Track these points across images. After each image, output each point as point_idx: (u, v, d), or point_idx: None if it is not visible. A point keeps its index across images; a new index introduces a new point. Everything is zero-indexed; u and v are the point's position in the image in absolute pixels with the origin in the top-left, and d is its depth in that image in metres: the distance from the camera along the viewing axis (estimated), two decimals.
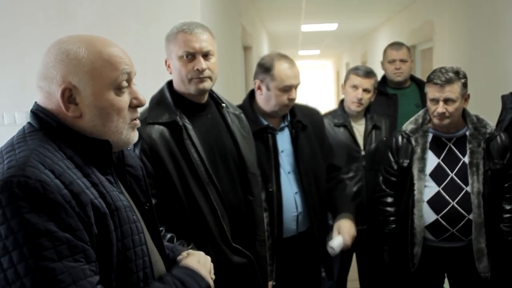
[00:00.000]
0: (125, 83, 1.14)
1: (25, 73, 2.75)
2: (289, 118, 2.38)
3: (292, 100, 2.28)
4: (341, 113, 2.99)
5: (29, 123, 1.13)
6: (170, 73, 1.88)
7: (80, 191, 1.02)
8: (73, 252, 0.97)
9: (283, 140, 2.36)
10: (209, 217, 1.77)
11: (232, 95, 4.17)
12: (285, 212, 2.30)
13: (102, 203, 1.06)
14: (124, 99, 1.14)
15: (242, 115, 2.08)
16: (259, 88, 2.32)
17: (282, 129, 2.37)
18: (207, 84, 1.82)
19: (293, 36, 10.10)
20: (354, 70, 2.99)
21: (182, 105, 1.83)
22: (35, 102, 1.14)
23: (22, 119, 2.81)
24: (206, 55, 1.80)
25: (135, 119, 1.18)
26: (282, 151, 2.34)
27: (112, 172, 1.17)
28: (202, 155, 1.78)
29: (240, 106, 2.35)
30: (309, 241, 2.41)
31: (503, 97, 2.62)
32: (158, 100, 1.83)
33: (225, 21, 3.89)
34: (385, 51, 3.54)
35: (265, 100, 2.30)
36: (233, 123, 1.96)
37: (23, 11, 2.81)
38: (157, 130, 1.74)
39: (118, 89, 1.12)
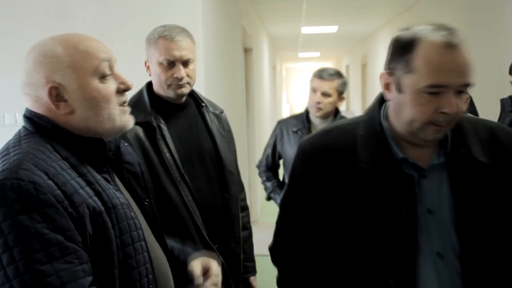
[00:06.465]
0: (108, 71, 1.14)
1: None
2: (449, 145, 1.26)
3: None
4: (302, 118, 2.79)
5: (24, 127, 1.14)
6: (150, 75, 1.91)
7: (73, 192, 1.02)
8: (64, 254, 0.97)
9: (432, 190, 1.24)
10: (184, 215, 1.82)
11: (232, 96, 4.17)
12: None
13: (98, 202, 1.06)
14: (110, 86, 1.14)
15: (223, 115, 2.07)
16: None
17: (432, 168, 1.25)
18: (185, 90, 1.85)
19: (293, 38, 10.11)
20: (315, 72, 2.76)
21: (160, 106, 1.87)
22: (26, 108, 1.14)
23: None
24: (185, 63, 1.82)
25: (123, 104, 1.18)
26: (429, 211, 1.22)
27: (108, 170, 1.17)
28: (174, 155, 1.82)
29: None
30: None
31: (502, 100, 2.62)
32: (135, 102, 1.84)
33: (226, 22, 3.89)
34: None
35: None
36: (212, 122, 1.97)
37: (23, 11, 2.81)
38: (131, 131, 1.74)
39: (102, 77, 1.13)
